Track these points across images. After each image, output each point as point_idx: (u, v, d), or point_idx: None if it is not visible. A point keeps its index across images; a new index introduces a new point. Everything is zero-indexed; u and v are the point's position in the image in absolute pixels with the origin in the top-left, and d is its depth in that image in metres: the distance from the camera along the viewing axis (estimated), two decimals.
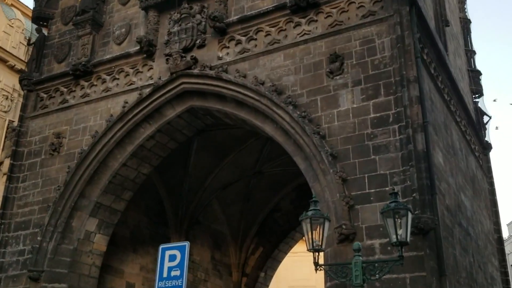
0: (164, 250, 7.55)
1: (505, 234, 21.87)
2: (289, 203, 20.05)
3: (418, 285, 9.13)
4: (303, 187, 21.55)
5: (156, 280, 7.45)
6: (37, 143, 14.01)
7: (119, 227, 14.83)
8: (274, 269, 20.51)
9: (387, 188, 9.71)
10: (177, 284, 7.23)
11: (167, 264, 7.41)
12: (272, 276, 20.53)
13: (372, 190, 10.05)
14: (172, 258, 7.39)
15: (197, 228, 18.16)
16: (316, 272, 7.31)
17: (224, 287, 18.95)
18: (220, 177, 17.80)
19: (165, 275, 7.40)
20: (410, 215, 6.74)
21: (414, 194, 9.39)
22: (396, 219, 6.58)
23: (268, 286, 20.45)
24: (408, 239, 6.72)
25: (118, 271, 14.77)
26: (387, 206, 6.83)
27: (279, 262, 20.70)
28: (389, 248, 9.22)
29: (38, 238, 12.58)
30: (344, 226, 9.82)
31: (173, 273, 7.32)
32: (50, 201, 12.96)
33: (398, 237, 6.57)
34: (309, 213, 7.19)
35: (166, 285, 7.27)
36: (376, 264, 6.87)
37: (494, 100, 46.33)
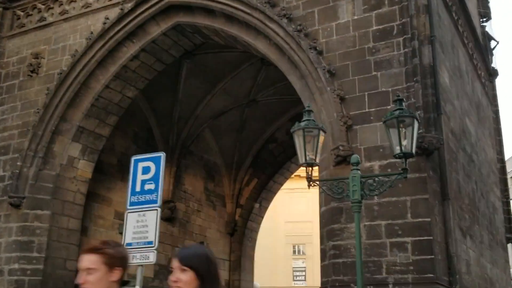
0: (136, 162, 6.84)
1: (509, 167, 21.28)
2: (285, 134, 19.32)
3: (420, 208, 8.54)
4: (300, 117, 20.74)
5: (128, 194, 6.82)
6: (15, 64, 13.07)
7: (106, 154, 14.18)
8: (269, 200, 20.09)
9: (388, 107, 8.92)
10: (151, 198, 6.57)
11: (140, 177, 6.72)
12: (267, 208, 20.15)
13: (373, 109, 9.28)
14: (146, 170, 6.70)
15: (189, 158, 17.55)
16: (309, 188, 6.61)
17: (218, 217, 18.56)
18: (212, 105, 16.99)
19: (138, 189, 6.70)
20: (416, 124, 5.98)
21: (419, 112, 8.60)
22: (400, 129, 5.81)
23: (262, 217, 20.10)
24: (413, 150, 5.99)
25: (106, 200, 14.22)
26: (391, 113, 6.06)
27: (274, 193, 20.25)
28: (389, 169, 8.57)
29: (18, 163, 11.91)
30: (341, 148, 9.12)
31: (147, 187, 6.64)
32: (29, 125, 12.20)
33: (403, 148, 5.81)
34: (302, 123, 6.43)
35: (139, 200, 6.63)
36: (377, 179, 6.17)
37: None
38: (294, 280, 51.70)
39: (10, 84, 12.96)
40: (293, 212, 51.63)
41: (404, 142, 5.80)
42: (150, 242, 6.46)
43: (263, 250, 41.21)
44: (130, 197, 6.76)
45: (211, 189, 18.49)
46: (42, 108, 12.05)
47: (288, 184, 36.91)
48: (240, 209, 19.19)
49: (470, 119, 12.71)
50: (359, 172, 6.20)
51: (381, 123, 9.13)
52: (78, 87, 12.05)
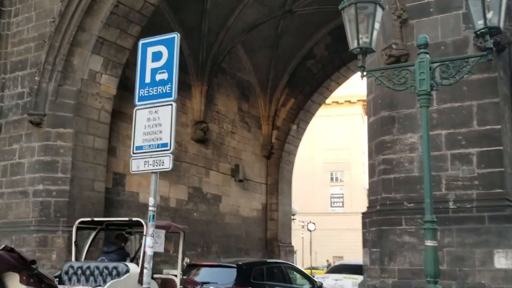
0: (145, 46, 5.66)
1: None
2: (324, 49, 17.93)
3: (488, 114, 7.23)
4: (341, 29, 18.95)
5: (136, 87, 5.66)
6: None
7: (131, 70, 13.12)
8: (307, 122, 18.94)
9: None
10: (164, 91, 5.39)
11: (150, 65, 5.51)
12: (305, 130, 19.05)
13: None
14: (157, 56, 5.51)
15: (221, 76, 16.39)
16: (362, 79, 5.39)
17: (253, 140, 17.61)
18: (244, 17, 15.58)
19: (147, 80, 5.51)
20: None
21: None
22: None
23: (300, 139, 19.06)
24: (501, 24, 4.64)
25: None
26: None
27: (313, 114, 19.05)
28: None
29: (36, 78, 11.02)
30: (394, 46, 7.75)
31: (158, 77, 5.44)
32: (46, 36, 11.19)
33: (487, 22, 4.47)
34: None
35: (150, 94, 5.46)
36: (450, 64, 4.86)
37: None
38: (331, 207, 51.69)
39: None
40: (330, 139, 50.73)
41: (489, 15, 4.44)
42: (165, 145, 5.35)
43: (301, 177, 40.78)
44: (139, 91, 5.59)
45: (245, 110, 17.43)
46: (58, 16, 10.97)
47: (324, 111, 35.53)
48: (276, 131, 18.17)
49: None
50: (428, 55, 4.92)
51: (443, 15, 7.75)
52: None
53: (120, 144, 12.77)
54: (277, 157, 18.16)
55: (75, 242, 7.11)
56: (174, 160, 14.09)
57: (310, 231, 33.88)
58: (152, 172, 5.45)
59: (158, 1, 11.77)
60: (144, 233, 6.12)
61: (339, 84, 18.84)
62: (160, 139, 5.38)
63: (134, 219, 7.04)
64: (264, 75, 17.79)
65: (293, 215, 20.87)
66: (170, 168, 5.37)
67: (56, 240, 10.40)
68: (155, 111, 5.47)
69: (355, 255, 26.87)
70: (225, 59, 16.20)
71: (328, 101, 28.39)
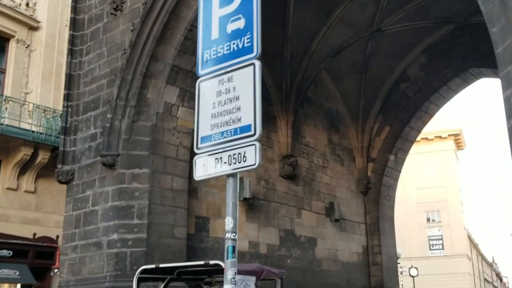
0: None
1: None
2: (419, 70, 16.08)
3: None
4: (436, 47, 17.36)
5: (198, 48, 3.87)
6: (97, 5, 11.27)
7: None
8: (405, 151, 16.89)
9: None
10: (241, 45, 3.60)
11: (217, 12, 3.77)
12: (404, 160, 16.96)
13: None
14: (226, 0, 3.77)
15: (307, 106, 14.91)
16: None
17: (347, 174, 15.78)
18: (328, 40, 14.15)
19: (214, 35, 3.76)
20: None
21: None
22: None
23: (399, 171, 16.98)
24: None
25: None
26: None
27: (412, 142, 17.00)
28: None
29: (108, 115, 10.08)
30: None
31: (231, 27, 3.70)
32: (118, 71, 10.32)
33: None
34: None
35: (219, 54, 3.68)
36: None
37: None
38: (431, 249, 47.73)
39: (95, 29, 11.19)
40: (424, 177, 47.46)
41: None
42: (246, 128, 3.48)
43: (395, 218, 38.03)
44: (203, 54, 3.83)
45: (336, 142, 15.73)
46: (129, 47, 10.08)
47: (414, 148, 33.23)
48: (372, 163, 16.25)
49: None
50: None
51: None
52: (166, 17, 9.92)
53: (202, 184, 11.47)
54: (375, 192, 16.16)
55: None
56: (263, 200, 12.49)
57: (413, 276, 30.93)
58: (228, 176, 3.56)
59: None
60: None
61: (439, 107, 16.75)
62: (239, 120, 3.54)
63: (212, 262, 5.29)
64: (354, 103, 16.11)
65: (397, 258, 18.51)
66: (256, 165, 3.44)
67: None
68: (229, 79, 3.68)
69: None
70: (311, 87, 14.75)
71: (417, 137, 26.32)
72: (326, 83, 15.66)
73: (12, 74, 16.82)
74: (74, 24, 11.38)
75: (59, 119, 16.23)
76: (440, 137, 47.53)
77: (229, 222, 3.38)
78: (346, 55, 15.06)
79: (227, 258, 3.31)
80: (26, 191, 16.45)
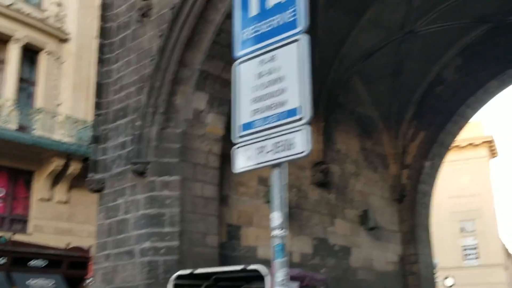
0: None
1: None
2: (454, 72, 15.58)
3: None
4: (473, 48, 16.79)
5: (234, 28, 3.60)
6: (125, 13, 11.25)
7: None
8: (441, 156, 16.36)
9: None
10: (283, 20, 3.24)
11: None
12: (439, 166, 16.43)
13: None
14: None
15: (338, 111, 14.57)
16: None
17: (381, 181, 15.35)
18: (359, 43, 13.83)
19: (253, 10, 3.42)
20: None
21: None
22: None
23: (435, 178, 16.44)
24: None
25: None
26: None
27: (447, 147, 16.47)
28: None
29: (137, 123, 9.98)
30: None
31: (271, 1, 3.37)
32: (146, 78, 10.22)
33: None
34: None
35: (258, 32, 3.36)
36: None
37: None
38: (465, 260, 46.38)
39: (123, 37, 11.15)
40: (456, 186, 46.26)
41: None
42: (293, 112, 3.16)
43: None
44: (241, 33, 3.53)
45: (369, 148, 15.33)
46: (157, 53, 9.98)
47: (447, 156, 32.58)
48: (406, 170, 15.77)
49: None
50: None
51: None
52: (194, 22, 9.79)
53: (232, 191, 11.25)
54: (411, 200, 15.66)
55: None
56: (295, 208, 12.19)
57: (449, 287, 30.03)
58: (274, 166, 3.21)
59: None
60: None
61: (475, 110, 16.21)
62: (284, 103, 3.21)
63: (250, 267, 5.03)
64: (387, 108, 15.70)
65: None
66: (306, 153, 3.09)
67: None
68: (271, 59, 3.35)
69: None
70: (341, 92, 14.43)
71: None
72: (357, 87, 15.32)
73: (43, 86, 17.02)
74: (103, 32, 11.36)
75: (90, 129, 16.32)
76: (472, 144, 46.39)
77: (276, 218, 3.10)
78: (377, 59, 14.69)
79: (276, 258, 3.04)
80: (59, 202, 16.56)
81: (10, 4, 16.37)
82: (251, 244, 11.37)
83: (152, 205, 9.57)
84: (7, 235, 15.11)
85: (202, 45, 9.94)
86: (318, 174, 13.24)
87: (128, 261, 9.54)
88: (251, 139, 3.35)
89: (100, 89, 11.07)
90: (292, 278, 4.77)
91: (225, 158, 10.97)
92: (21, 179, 16.29)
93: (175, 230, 9.41)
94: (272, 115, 3.28)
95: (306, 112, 3.17)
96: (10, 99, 15.86)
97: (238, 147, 3.44)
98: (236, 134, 3.47)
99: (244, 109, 3.42)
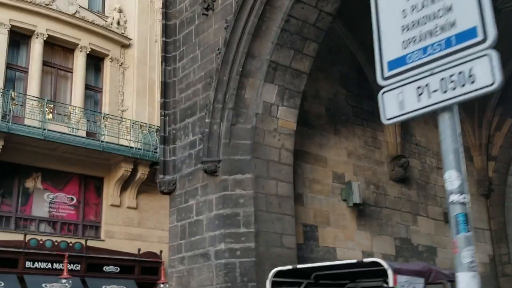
0: None
1: None
2: None
3: None
4: None
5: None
6: (188, 8, 10.86)
7: (310, 102, 11.16)
8: None
9: None
10: None
11: None
12: None
13: None
14: None
15: None
16: None
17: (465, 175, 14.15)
18: None
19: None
20: None
21: None
22: None
23: None
24: None
25: (320, 159, 11.11)
26: None
27: None
28: None
29: (206, 120, 9.51)
30: None
31: None
32: (213, 73, 9.76)
33: None
34: None
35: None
36: None
37: None
38: None
39: (187, 33, 10.76)
40: None
41: None
42: (468, 33, 2.49)
43: None
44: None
45: None
46: (223, 46, 9.49)
47: None
48: (493, 162, 14.53)
49: None
50: None
51: None
52: (261, 9, 9.22)
53: (307, 189, 10.57)
54: (499, 194, 14.40)
55: None
56: (374, 206, 11.29)
57: None
58: (442, 110, 2.52)
59: (335, 10, 9.71)
60: (390, 285, 3.50)
61: None
62: (452, 25, 2.51)
63: (366, 260, 4.30)
64: None
65: None
66: (496, 85, 2.42)
67: None
68: None
69: None
70: None
71: None
72: None
73: (109, 92, 17.05)
74: (166, 30, 11.01)
75: (155, 134, 16.16)
76: None
77: (454, 178, 2.37)
78: None
79: (459, 232, 2.30)
80: (128, 207, 16.49)
81: (75, 13, 16.52)
82: (329, 245, 10.64)
83: (225, 205, 9.06)
84: (82, 241, 15.18)
85: (270, 34, 9.35)
86: (397, 169, 12.32)
87: (204, 263, 9.07)
88: (405, 79, 2.66)
89: (166, 89, 10.71)
90: (416, 274, 4.05)
91: (297, 154, 10.34)
92: (92, 186, 16.35)
93: (251, 230, 8.84)
94: (435, 43, 2.58)
95: (489, 32, 2.50)
96: (79, 106, 15.96)
97: (385, 92, 2.79)
98: (382, 75, 2.80)
99: (391, 41, 2.73)
